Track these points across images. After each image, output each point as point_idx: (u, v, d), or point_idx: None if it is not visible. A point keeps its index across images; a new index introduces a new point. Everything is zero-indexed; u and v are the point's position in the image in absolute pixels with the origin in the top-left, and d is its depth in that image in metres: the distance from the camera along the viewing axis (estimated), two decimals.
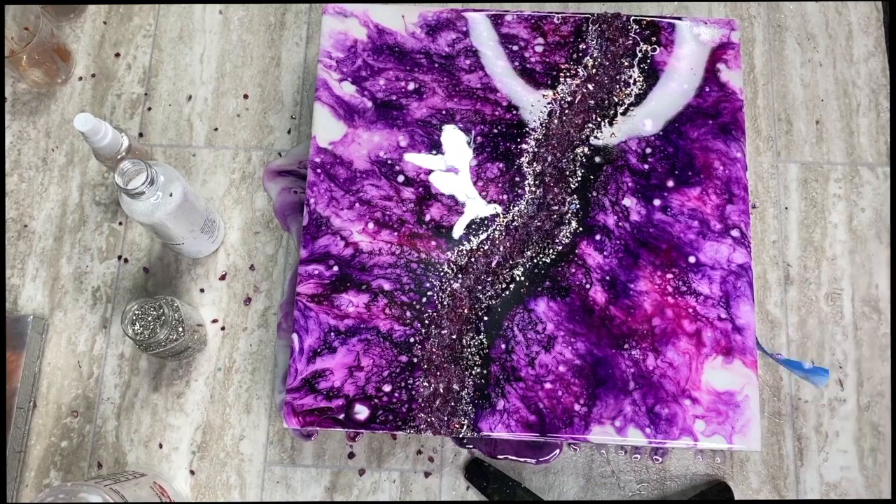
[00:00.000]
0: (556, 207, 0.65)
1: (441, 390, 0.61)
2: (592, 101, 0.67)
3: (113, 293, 0.72)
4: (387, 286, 0.63)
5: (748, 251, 0.64)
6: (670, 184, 0.65)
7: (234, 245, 0.73)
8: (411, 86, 0.68)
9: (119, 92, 0.78)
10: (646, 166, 0.65)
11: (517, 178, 0.65)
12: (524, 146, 0.66)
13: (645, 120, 0.67)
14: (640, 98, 0.67)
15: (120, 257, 0.73)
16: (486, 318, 0.62)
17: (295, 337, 0.62)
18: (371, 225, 0.64)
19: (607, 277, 0.63)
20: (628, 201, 0.65)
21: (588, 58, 0.68)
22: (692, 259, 0.63)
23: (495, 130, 0.67)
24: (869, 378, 0.70)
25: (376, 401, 0.61)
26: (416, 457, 0.68)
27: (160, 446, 0.68)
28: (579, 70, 0.68)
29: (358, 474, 0.68)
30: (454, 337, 0.62)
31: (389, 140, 0.67)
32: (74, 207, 0.74)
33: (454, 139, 0.66)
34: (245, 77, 0.78)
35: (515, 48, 0.68)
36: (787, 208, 0.74)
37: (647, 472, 0.68)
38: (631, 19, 0.69)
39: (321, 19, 0.69)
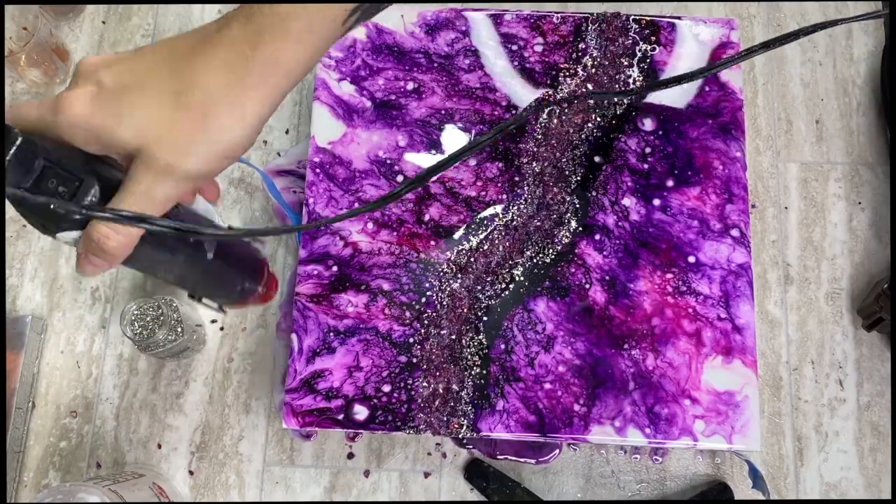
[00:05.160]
0: (555, 207, 0.65)
1: (440, 390, 0.61)
2: (592, 101, 0.67)
3: (112, 293, 0.72)
4: (386, 286, 0.63)
5: (748, 251, 0.64)
6: (670, 183, 0.65)
7: None
8: (410, 85, 0.68)
9: None
10: (645, 166, 0.65)
11: (516, 178, 0.65)
12: (523, 146, 0.66)
13: (645, 119, 0.67)
14: (639, 97, 0.67)
15: None
16: (485, 318, 0.62)
17: (294, 337, 0.62)
18: (370, 225, 0.64)
19: (607, 277, 0.63)
20: (628, 201, 0.65)
21: (587, 57, 0.68)
22: (692, 259, 0.63)
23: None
24: (869, 378, 0.70)
25: (375, 401, 0.60)
26: (415, 457, 0.68)
27: (159, 447, 0.68)
28: (579, 70, 0.68)
29: (363, 475, 0.68)
30: (454, 337, 0.62)
31: (388, 140, 0.66)
32: None
33: (454, 139, 0.66)
34: None
35: (515, 48, 0.68)
36: (786, 208, 0.74)
37: (647, 472, 0.68)
38: (630, 19, 0.69)
39: None
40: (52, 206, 0.33)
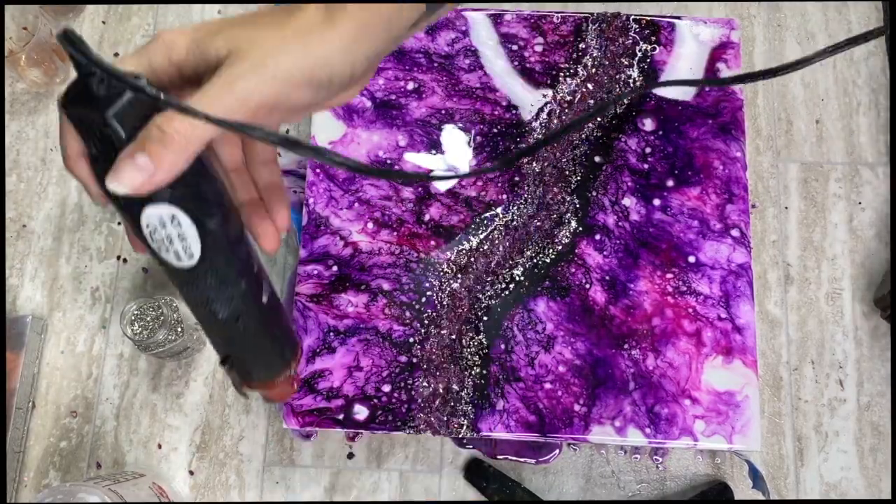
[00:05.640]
0: (555, 207, 0.65)
1: (440, 390, 0.61)
2: (592, 101, 0.67)
3: (112, 293, 0.72)
4: (386, 286, 0.63)
5: (748, 251, 0.64)
6: (670, 183, 0.65)
7: None
8: (410, 85, 0.68)
9: None
10: (645, 166, 0.65)
11: (516, 178, 0.65)
12: (524, 146, 0.66)
13: (645, 119, 0.67)
14: (639, 98, 0.67)
15: (119, 257, 0.73)
16: (485, 318, 0.62)
17: None
18: (370, 225, 0.64)
19: (607, 277, 0.63)
20: (628, 201, 0.65)
21: (588, 57, 0.68)
22: (692, 259, 0.63)
23: (494, 130, 0.67)
24: (869, 378, 0.70)
25: (376, 401, 0.60)
26: (415, 457, 0.68)
27: (159, 447, 0.68)
28: (579, 69, 0.68)
29: (357, 473, 0.68)
30: (454, 337, 0.62)
31: (389, 139, 0.66)
32: (73, 207, 0.74)
33: (454, 139, 0.66)
34: None
35: (515, 48, 0.68)
36: (786, 208, 0.74)
37: (647, 472, 0.68)
38: (631, 19, 0.69)
39: None
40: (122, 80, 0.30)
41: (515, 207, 0.65)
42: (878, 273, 0.72)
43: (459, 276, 0.63)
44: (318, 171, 0.66)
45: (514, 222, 0.64)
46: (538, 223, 0.64)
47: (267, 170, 0.41)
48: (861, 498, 0.68)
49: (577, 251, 0.64)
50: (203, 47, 0.33)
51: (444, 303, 0.62)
